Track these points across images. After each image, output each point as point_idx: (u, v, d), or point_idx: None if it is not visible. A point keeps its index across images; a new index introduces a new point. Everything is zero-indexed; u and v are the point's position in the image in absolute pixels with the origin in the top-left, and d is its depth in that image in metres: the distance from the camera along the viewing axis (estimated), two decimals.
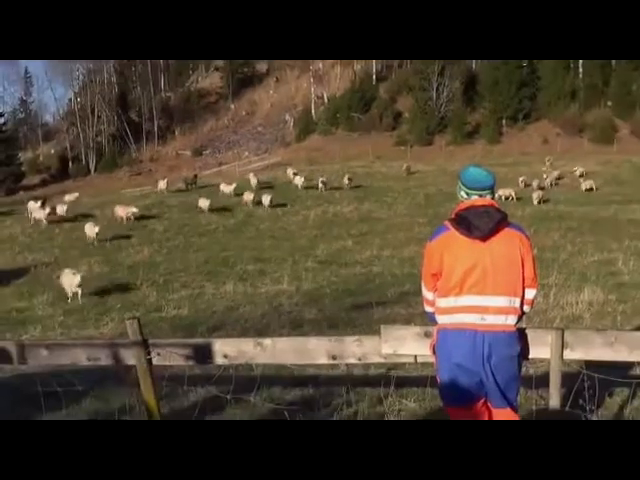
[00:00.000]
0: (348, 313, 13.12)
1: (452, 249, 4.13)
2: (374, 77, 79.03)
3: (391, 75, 79.70)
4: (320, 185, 40.57)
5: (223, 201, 36.97)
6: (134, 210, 32.27)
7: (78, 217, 33.19)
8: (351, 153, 62.06)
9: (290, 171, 46.39)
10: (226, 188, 39.95)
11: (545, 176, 40.56)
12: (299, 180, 42.29)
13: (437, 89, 70.15)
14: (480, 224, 4.07)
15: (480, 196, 4.18)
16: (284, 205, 35.22)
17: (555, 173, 41.36)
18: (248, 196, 35.89)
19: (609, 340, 4.44)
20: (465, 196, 4.23)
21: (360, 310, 13.19)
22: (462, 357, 4.10)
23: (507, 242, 4.14)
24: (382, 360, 5.01)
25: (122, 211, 32.25)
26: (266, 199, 34.74)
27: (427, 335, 4.57)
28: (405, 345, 4.73)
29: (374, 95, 76.65)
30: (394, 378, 6.37)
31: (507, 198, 33.93)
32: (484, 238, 4.08)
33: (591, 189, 37.09)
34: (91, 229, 26.77)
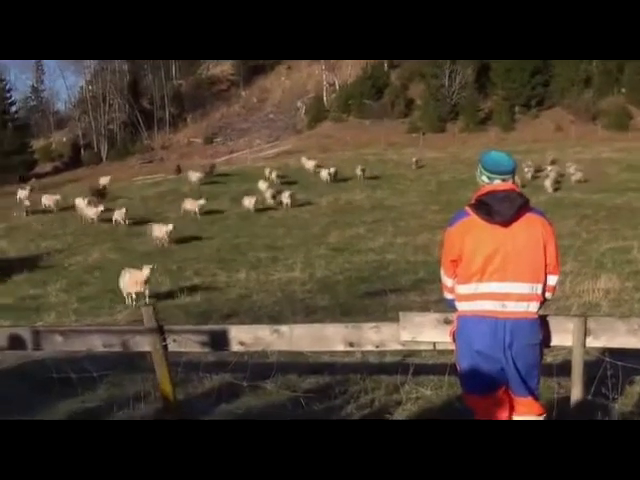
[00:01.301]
0: (361, 300, 13.08)
1: (473, 235, 4.03)
2: (385, 64, 78.53)
3: (403, 62, 79.23)
4: (327, 177, 39.81)
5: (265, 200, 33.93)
6: (202, 202, 31.21)
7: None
8: (363, 140, 61.89)
9: (311, 163, 44.45)
10: (263, 185, 36.68)
11: (549, 168, 40.39)
12: (325, 173, 40.20)
13: (449, 76, 69.76)
14: (501, 209, 3.97)
15: (503, 180, 4.07)
16: (308, 204, 33.11)
17: (555, 169, 40.96)
18: (269, 195, 33.78)
19: (632, 327, 4.36)
20: (487, 180, 4.11)
21: (374, 297, 13.15)
22: (483, 344, 4.02)
23: (529, 227, 4.04)
24: (400, 347, 4.95)
25: (191, 205, 31.39)
26: (286, 197, 32.56)
27: (446, 322, 4.49)
28: (424, 332, 4.66)
29: (386, 82, 76.35)
30: (412, 366, 6.31)
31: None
32: (506, 223, 3.98)
33: (579, 181, 36.90)
34: (160, 229, 24.56)
